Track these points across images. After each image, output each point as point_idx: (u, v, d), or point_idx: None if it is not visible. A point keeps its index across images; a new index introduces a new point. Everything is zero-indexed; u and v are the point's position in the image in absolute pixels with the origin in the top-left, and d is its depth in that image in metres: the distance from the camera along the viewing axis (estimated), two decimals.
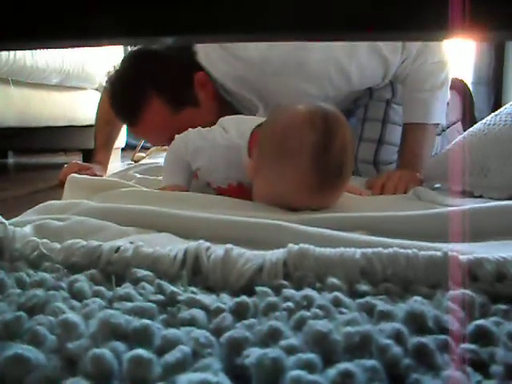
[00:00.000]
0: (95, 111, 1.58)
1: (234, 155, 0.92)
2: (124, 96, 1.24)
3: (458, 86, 1.75)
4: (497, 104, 2.63)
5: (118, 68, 1.27)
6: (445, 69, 1.24)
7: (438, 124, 1.26)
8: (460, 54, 2.85)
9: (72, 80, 2.13)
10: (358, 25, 0.33)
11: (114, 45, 1.65)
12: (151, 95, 1.20)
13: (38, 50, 1.77)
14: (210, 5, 0.33)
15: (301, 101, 1.10)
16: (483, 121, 1.10)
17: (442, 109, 1.25)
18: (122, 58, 1.30)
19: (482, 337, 0.35)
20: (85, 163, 1.51)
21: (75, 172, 1.25)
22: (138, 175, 1.27)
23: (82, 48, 1.91)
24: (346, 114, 1.49)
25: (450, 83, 1.26)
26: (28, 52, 1.73)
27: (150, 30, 0.35)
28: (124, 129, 2.75)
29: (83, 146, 2.46)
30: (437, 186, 1.04)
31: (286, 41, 0.97)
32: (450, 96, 1.40)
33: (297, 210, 0.78)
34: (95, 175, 1.29)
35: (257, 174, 0.84)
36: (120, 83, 1.24)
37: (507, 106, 1.08)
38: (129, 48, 2.26)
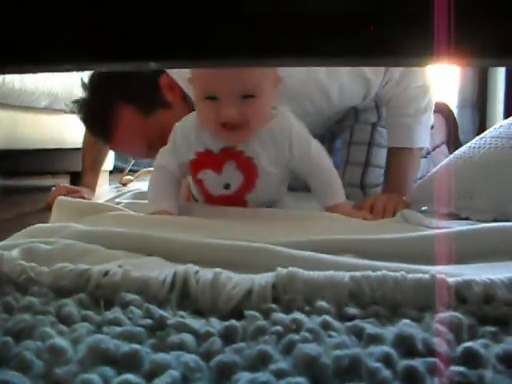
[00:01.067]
0: (82, 134, 1.59)
1: (193, 122, 0.97)
2: (93, 113, 1.28)
3: (442, 109, 1.78)
4: (481, 127, 2.67)
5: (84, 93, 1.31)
6: (428, 93, 1.24)
7: (423, 148, 1.27)
8: (445, 78, 2.90)
9: (61, 103, 2.13)
10: (338, 50, 0.34)
11: (106, 69, 1.65)
12: (119, 105, 1.23)
13: (25, 74, 1.77)
14: (200, 31, 0.34)
15: None
16: (468, 144, 1.11)
17: (426, 133, 1.25)
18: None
19: (471, 359, 0.35)
20: (73, 186, 1.51)
21: (63, 195, 1.25)
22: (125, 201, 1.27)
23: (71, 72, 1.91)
24: (331, 136, 1.51)
25: (433, 107, 1.28)
26: (17, 75, 1.74)
27: (141, 54, 0.35)
28: (111, 152, 2.76)
29: (71, 168, 2.46)
30: (424, 208, 1.05)
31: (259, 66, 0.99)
32: (435, 119, 1.41)
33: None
34: (83, 198, 1.29)
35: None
36: (88, 102, 1.29)
37: (491, 129, 1.10)
38: None
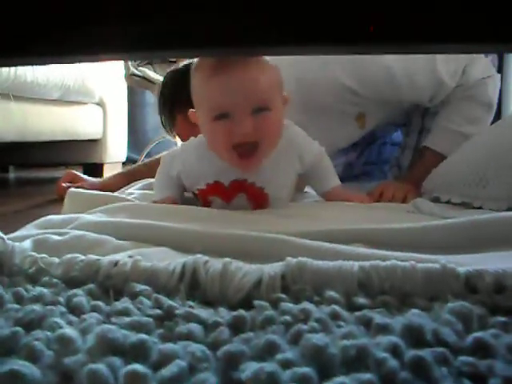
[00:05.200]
0: (95, 125, 1.59)
1: (203, 150, 0.94)
2: (161, 118, 1.40)
3: None
4: (496, 115, 2.64)
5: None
6: (488, 113, 1.23)
7: None
8: None
9: (72, 95, 2.15)
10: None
11: (114, 59, 1.66)
12: (177, 113, 1.31)
13: (38, 66, 1.78)
14: (212, 17, 0.34)
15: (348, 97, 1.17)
16: (481, 133, 1.10)
17: None
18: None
19: (481, 349, 0.34)
20: (81, 175, 1.50)
21: (68, 181, 1.36)
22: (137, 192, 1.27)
23: (82, 63, 1.92)
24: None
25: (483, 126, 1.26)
26: (29, 67, 1.75)
27: (150, 43, 0.35)
28: (125, 143, 2.77)
29: (83, 160, 2.48)
30: (435, 195, 1.04)
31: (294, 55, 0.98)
32: None
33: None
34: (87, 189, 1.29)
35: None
36: (159, 107, 1.39)
37: (506, 117, 1.08)
38: (129, 62, 2.29)
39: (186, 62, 1.31)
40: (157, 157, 1.55)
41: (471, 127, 1.21)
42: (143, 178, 1.46)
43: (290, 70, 1.04)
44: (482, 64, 1.21)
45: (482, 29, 0.32)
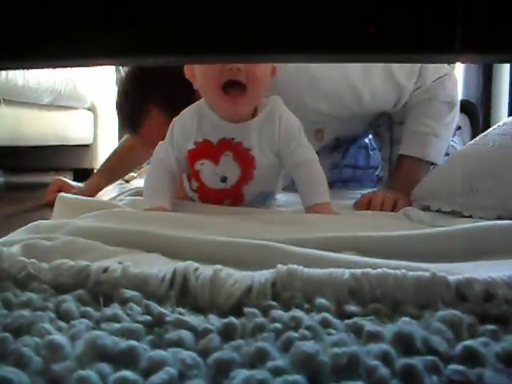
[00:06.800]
0: (86, 130, 1.58)
1: (196, 108, 1.00)
2: (125, 110, 1.30)
3: (467, 109, 1.77)
4: (486, 124, 2.66)
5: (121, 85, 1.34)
6: (453, 111, 1.24)
7: (433, 164, 1.24)
8: None
9: (63, 99, 2.14)
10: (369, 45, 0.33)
11: (107, 64, 1.65)
12: (147, 106, 1.24)
13: (30, 70, 1.78)
14: (209, 24, 0.34)
15: (311, 117, 1.13)
16: (471, 141, 1.11)
17: (442, 148, 1.24)
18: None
19: (471, 358, 0.34)
20: (70, 181, 1.49)
21: (57, 190, 1.33)
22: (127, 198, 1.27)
23: (74, 67, 1.92)
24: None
25: (455, 126, 1.27)
26: (19, 71, 1.74)
27: (143, 49, 0.35)
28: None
29: (74, 165, 2.47)
30: (425, 203, 1.05)
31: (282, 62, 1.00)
32: (461, 119, 1.41)
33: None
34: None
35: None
36: (120, 100, 1.31)
37: (495, 126, 1.09)
38: (121, 68, 2.29)
39: None
40: (122, 142, 1.55)
41: (440, 126, 1.23)
42: (120, 168, 1.51)
43: None
44: (434, 65, 1.23)
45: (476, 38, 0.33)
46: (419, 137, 1.23)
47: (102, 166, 1.58)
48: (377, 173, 1.57)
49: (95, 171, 1.64)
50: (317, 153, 1.02)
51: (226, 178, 0.99)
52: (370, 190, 1.34)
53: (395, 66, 1.20)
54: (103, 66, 2.36)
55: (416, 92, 1.24)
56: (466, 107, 1.69)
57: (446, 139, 1.24)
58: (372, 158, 1.67)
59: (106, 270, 0.50)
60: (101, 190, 1.48)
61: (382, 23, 0.32)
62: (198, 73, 0.97)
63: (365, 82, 1.20)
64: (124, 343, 0.34)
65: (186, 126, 0.99)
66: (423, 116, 1.23)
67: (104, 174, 1.51)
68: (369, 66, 1.17)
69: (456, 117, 1.27)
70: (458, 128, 1.45)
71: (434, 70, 1.23)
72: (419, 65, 1.21)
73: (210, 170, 0.98)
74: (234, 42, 0.34)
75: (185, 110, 1.02)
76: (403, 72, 1.21)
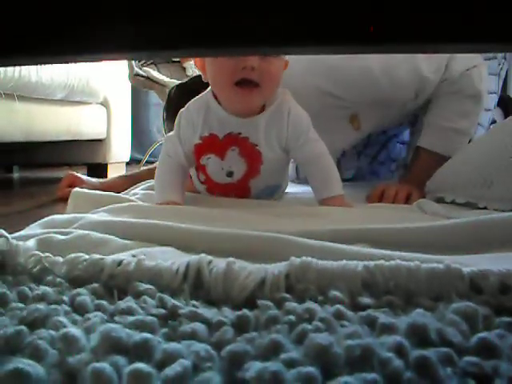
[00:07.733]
0: (99, 125, 1.59)
1: (202, 102, 0.99)
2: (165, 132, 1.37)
3: (504, 103, 1.75)
4: (506, 116, 2.62)
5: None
6: (478, 105, 1.22)
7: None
8: None
9: (76, 95, 2.15)
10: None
11: (119, 59, 1.66)
12: None
13: (43, 66, 1.79)
14: (216, 16, 0.33)
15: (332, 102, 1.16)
16: (486, 133, 1.10)
17: (461, 143, 1.22)
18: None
19: (486, 350, 0.34)
20: (82, 176, 1.50)
21: (69, 185, 1.34)
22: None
23: (87, 63, 1.92)
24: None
25: (478, 120, 1.25)
26: (33, 68, 1.75)
27: (155, 43, 0.35)
28: (129, 143, 2.77)
29: (87, 160, 2.48)
30: (439, 195, 1.04)
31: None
32: (497, 113, 1.39)
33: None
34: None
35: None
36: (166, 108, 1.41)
37: (511, 117, 1.08)
38: (133, 62, 2.29)
39: (193, 75, 1.32)
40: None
41: (462, 121, 1.21)
42: (148, 177, 1.47)
43: None
44: (464, 56, 1.21)
45: (486, 28, 0.32)
46: (439, 131, 1.21)
47: (128, 172, 1.59)
48: (395, 165, 1.55)
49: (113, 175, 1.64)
50: (343, 155, 1.02)
51: (232, 173, 0.98)
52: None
53: (421, 58, 1.18)
54: (116, 61, 2.36)
55: (442, 84, 1.22)
56: (503, 102, 1.67)
57: (467, 133, 1.22)
58: (392, 150, 1.65)
59: (120, 264, 0.50)
60: (116, 189, 1.48)
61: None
62: (209, 67, 0.96)
63: (382, 69, 1.19)
64: (138, 336, 0.34)
65: (193, 120, 0.99)
66: (446, 109, 1.22)
67: (127, 179, 1.49)
68: (391, 56, 1.16)
69: (481, 110, 1.25)
70: (493, 122, 1.42)
71: (461, 62, 1.20)
72: (447, 56, 1.19)
73: (215, 165, 0.98)
74: (244, 35, 0.34)
75: (191, 102, 1.01)
76: (429, 65, 1.19)
